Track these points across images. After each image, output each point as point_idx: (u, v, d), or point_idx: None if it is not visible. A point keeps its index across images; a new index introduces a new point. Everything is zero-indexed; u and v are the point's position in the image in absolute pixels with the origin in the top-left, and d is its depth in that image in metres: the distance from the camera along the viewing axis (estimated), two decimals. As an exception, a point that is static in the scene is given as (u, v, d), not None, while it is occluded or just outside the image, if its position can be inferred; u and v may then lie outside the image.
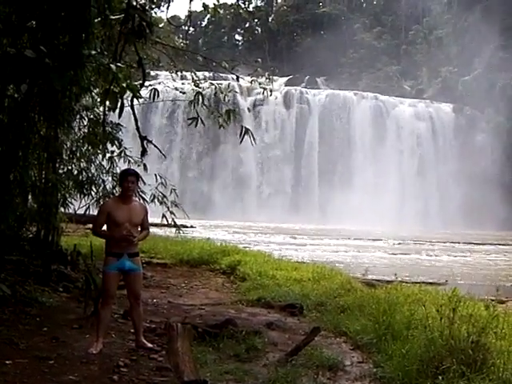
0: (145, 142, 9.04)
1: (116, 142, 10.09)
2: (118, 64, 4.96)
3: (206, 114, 9.94)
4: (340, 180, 51.34)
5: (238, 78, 10.70)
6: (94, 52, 5.33)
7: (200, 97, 9.07)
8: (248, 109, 38.54)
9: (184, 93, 11.52)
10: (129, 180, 6.46)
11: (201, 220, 36.34)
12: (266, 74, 11.96)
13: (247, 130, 8.28)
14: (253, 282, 10.99)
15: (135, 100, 7.66)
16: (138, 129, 9.01)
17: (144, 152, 9.14)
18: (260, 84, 11.59)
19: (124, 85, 4.74)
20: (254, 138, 8.40)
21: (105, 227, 6.55)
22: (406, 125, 55.47)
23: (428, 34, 68.00)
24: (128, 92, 5.37)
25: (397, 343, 6.18)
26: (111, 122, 10.06)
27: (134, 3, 6.14)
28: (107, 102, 5.92)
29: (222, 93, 10.68)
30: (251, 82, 11.60)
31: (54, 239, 10.31)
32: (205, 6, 10.37)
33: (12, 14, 5.98)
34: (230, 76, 12.09)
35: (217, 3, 10.29)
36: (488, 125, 56.80)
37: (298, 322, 8.34)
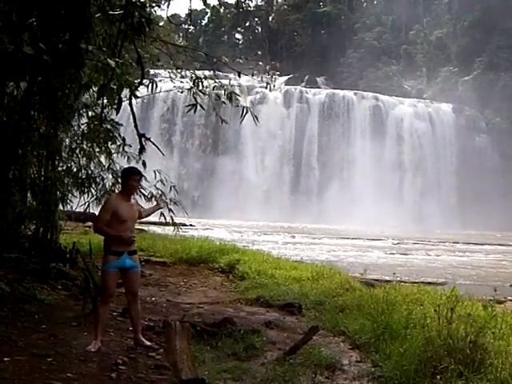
0: (143, 139, 9.03)
1: (117, 139, 10.06)
2: (117, 60, 4.94)
3: (205, 109, 9.88)
4: (339, 180, 51.29)
5: (239, 73, 10.60)
6: (91, 47, 5.31)
7: (199, 83, 9.04)
8: (250, 104, 38.47)
9: (182, 92, 11.47)
10: (134, 179, 6.49)
11: (199, 219, 36.35)
12: (267, 67, 11.90)
13: (248, 110, 8.26)
14: (251, 281, 10.99)
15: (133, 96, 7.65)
16: (136, 126, 9.00)
17: (142, 149, 9.13)
18: (262, 79, 11.55)
19: (122, 82, 4.73)
20: (257, 118, 8.39)
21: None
22: (406, 125, 55.45)
23: (428, 34, 67.99)
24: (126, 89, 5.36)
25: (395, 343, 6.18)
26: (111, 119, 10.05)
27: (134, 0, 6.13)
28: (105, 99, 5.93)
29: (222, 87, 10.53)
30: (252, 75, 11.55)
31: (53, 237, 10.29)
32: (205, 2, 10.32)
33: (12, 12, 5.97)
34: (230, 75, 12.03)
35: (219, 1, 10.29)
36: (487, 125, 56.91)
37: (296, 321, 8.34)
